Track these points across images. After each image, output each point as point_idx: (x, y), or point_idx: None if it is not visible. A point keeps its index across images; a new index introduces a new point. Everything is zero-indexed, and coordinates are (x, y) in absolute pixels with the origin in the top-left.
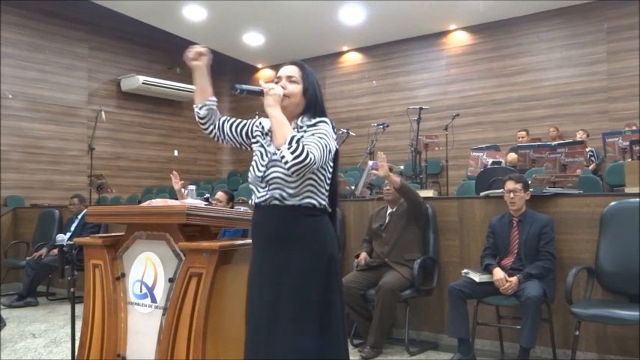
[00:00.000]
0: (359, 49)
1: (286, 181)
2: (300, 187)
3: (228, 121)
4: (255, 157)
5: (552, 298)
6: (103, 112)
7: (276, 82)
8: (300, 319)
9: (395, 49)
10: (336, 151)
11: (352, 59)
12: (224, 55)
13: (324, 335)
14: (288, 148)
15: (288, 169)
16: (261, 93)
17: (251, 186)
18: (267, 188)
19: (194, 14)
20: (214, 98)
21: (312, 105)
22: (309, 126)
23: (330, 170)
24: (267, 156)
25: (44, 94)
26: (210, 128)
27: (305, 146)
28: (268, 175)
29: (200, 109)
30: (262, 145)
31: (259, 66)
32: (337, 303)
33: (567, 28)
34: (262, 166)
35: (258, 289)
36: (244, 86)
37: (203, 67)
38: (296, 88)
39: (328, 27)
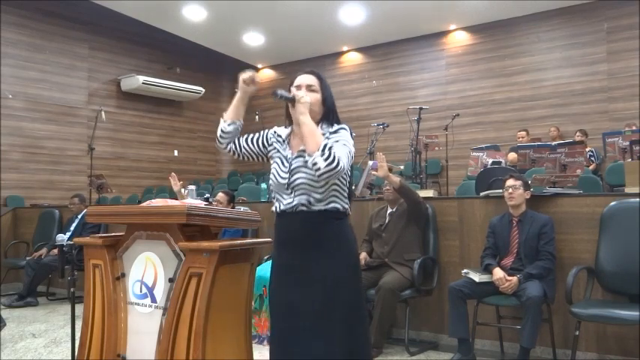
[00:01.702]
0: (359, 49)
1: (313, 186)
2: (327, 192)
3: (243, 136)
4: (274, 165)
5: (552, 298)
6: (103, 112)
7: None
8: (331, 319)
9: (395, 49)
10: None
11: (352, 59)
12: (224, 55)
13: (352, 335)
14: (322, 155)
15: (319, 175)
16: (292, 100)
17: (274, 194)
18: (292, 194)
19: (194, 14)
20: (242, 122)
21: (329, 113)
22: (330, 133)
23: (349, 174)
24: (287, 161)
25: (44, 94)
26: (228, 145)
27: (335, 153)
28: (294, 181)
29: (228, 125)
30: (279, 152)
31: (259, 66)
32: (363, 302)
33: (567, 28)
34: (284, 172)
35: (286, 292)
36: (283, 92)
37: (249, 92)
38: (316, 97)
39: (328, 27)
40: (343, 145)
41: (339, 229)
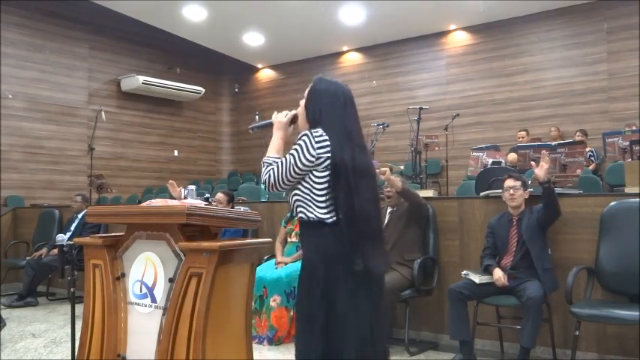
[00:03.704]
0: (359, 49)
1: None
2: (292, 203)
3: None
4: None
5: (553, 289)
6: (103, 112)
7: None
8: (296, 326)
9: (395, 49)
10: (336, 159)
11: (352, 59)
12: (224, 55)
13: (302, 338)
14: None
15: None
16: (270, 124)
17: None
18: None
19: (194, 14)
20: None
21: (309, 118)
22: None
23: (317, 181)
24: None
25: (44, 94)
26: None
27: (267, 168)
28: None
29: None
30: None
31: (259, 66)
32: (315, 314)
33: (567, 28)
34: None
35: None
36: (258, 123)
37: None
38: (300, 107)
39: (328, 27)
40: (286, 156)
41: (305, 238)
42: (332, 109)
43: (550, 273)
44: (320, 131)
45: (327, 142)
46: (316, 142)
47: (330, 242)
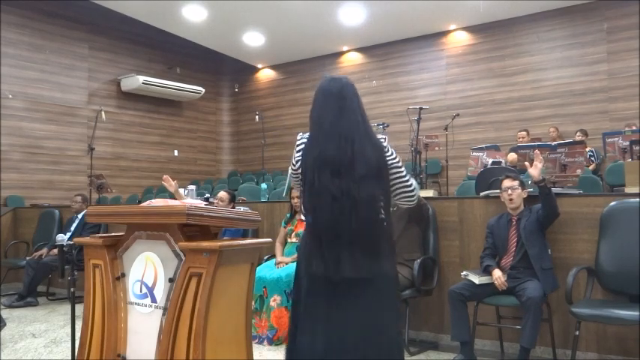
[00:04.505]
0: (359, 49)
1: None
2: None
3: None
4: None
5: (553, 289)
6: (103, 112)
7: None
8: None
9: (395, 49)
10: (304, 158)
11: (352, 59)
12: (224, 55)
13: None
14: None
15: None
16: None
17: None
18: None
19: (194, 14)
20: None
21: None
22: None
23: (300, 182)
24: None
25: (44, 94)
26: None
27: None
28: None
29: None
30: None
31: (259, 66)
32: (298, 314)
33: (567, 28)
34: None
35: None
36: None
37: None
38: None
39: (328, 27)
40: None
41: None
42: (314, 108)
43: (550, 273)
44: (300, 134)
45: (302, 141)
46: (296, 145)
47: (303, 243)
